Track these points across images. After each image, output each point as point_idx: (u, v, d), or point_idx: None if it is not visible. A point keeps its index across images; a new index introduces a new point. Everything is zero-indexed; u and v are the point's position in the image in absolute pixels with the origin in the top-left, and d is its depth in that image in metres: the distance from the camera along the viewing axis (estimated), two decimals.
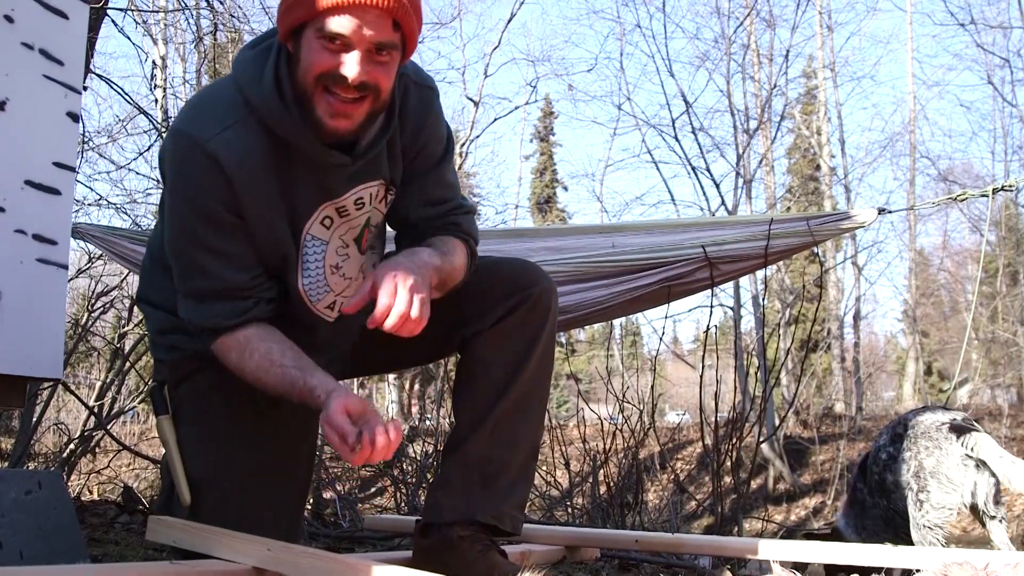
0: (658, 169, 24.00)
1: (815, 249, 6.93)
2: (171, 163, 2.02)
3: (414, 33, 1.94)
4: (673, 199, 22.15)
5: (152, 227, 2.79)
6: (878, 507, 3.58)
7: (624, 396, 6.31)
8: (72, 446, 7.66)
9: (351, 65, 1.85)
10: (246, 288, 2.05)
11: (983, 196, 4.73)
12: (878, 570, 2.42)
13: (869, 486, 3.62)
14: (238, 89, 1.99)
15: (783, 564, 2.46)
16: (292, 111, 1.94)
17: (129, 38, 14.41)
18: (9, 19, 2.78)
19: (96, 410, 7.71)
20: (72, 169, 3.00)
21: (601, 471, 6.22)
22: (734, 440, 5.23)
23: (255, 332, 2.05)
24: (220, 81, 2.13)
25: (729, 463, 5.19)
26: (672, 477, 15.77)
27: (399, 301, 1.85)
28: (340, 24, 1.82)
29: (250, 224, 2.01)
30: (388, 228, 2.37)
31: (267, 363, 1.99)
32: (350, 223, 2.15)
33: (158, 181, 13.15)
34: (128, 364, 8.23)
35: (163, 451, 2.24)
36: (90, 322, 8.52)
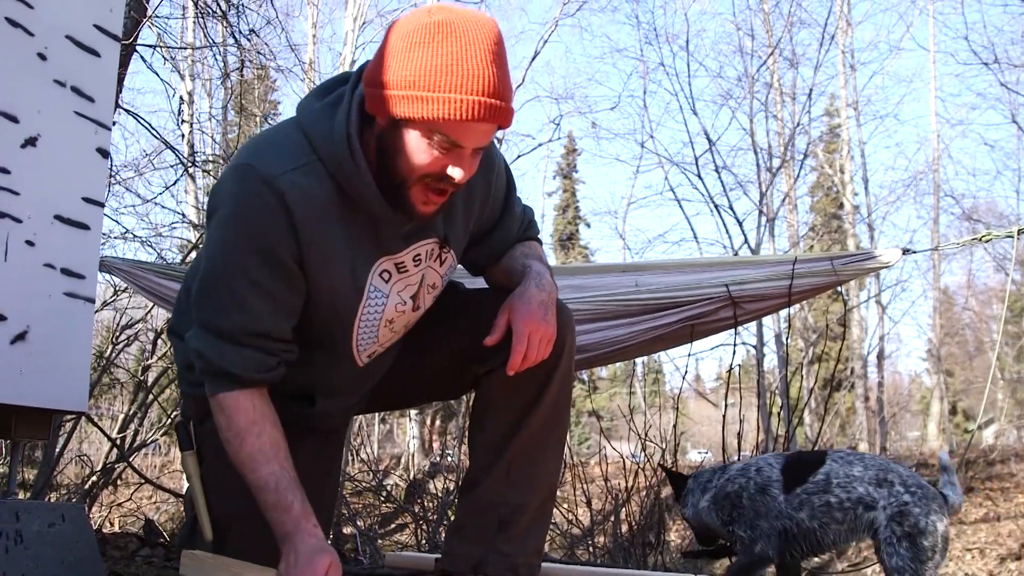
0: (681, 207, 24.05)
1: (839, 288, 6.90)
2: (231, 195, 1.95)
3: None
4: (696, 237, 22.14)
5: (180, 261, 2.80)
6: (792, 520, 3.62)
7: (646, 434, 6.28)
8: (94, 478, 7.69)
9: (459, 169, 1.87)
10: (281, 340, 2.01)
11: (1008, 237, 4.70)
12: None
13: (799, 498, 3.67)
14: (304, 136, 1.96)
15: None
16: (362, 169, 1.92)
17: (157, 74, 14.66)
18: (42, 56, 2.82)
19: (118, 442, 7.74)
20: (101, 204, 3.03)
21: (623, 510, 6.19)
22: None
23: (269, 411, 2.01)
24: (283, 125, 2.09)
25: None
26: None
27: (533, 350, 1.99)
28: (459, 135, 1.82)
29: (308, 270, 1.97)
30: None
31: (272, 453, 1.97)
32: (408, 280, 2.13)
33: (183, 215, 13.33)
34: (151, 397, 8.27)
35: (186, 484, 2.24)
36: (114, 354, 8.57)
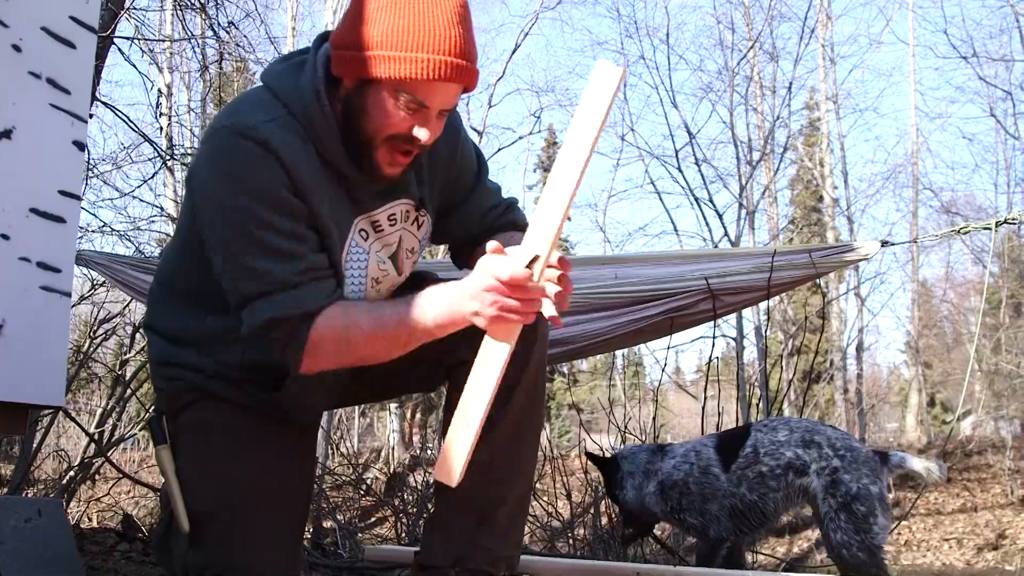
0: (661, 200, 24.03)
1: (818, 280, 6.94)
2: (215, 159, 1.92)
3: None
4: (676, 230, 22.11)
5: (158, 255, 2.77)
6: (736, 497, 3.74)
7: (626, 426, 6.30)
8: (72, 473, 7.65)
9: (426, 130, 1.88)
10: (325, 267, 1.97)
11: (986, 229, 4.73)
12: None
13: (736, 474, 3.77)
14: (272, 94, 1.95)
15: None
16: (333, 129, 1.93)
17: (135, 66, 14.48)
18: (17, 48, 2.80)
19: (96, 437, 7.70)
20: (77, 197, 3.02)
21: (603, 502, 6.20)
22: None
23: (340, 306, 1.96)
24: (248, 90, 2.09)
25: None
26: None
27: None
28: (425, 95, 1.85)
29: (313, 214, 1.95)
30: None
31: (376, 305, 1.98)
32: (384, 240, 2.13)
33: (161, 209, 13.26)
34: (129, 391, 8.23)
35: (163, 480, 2.23)
36: (92, 349, 8.52)
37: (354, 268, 2.08)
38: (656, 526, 4.22)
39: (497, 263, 1.77)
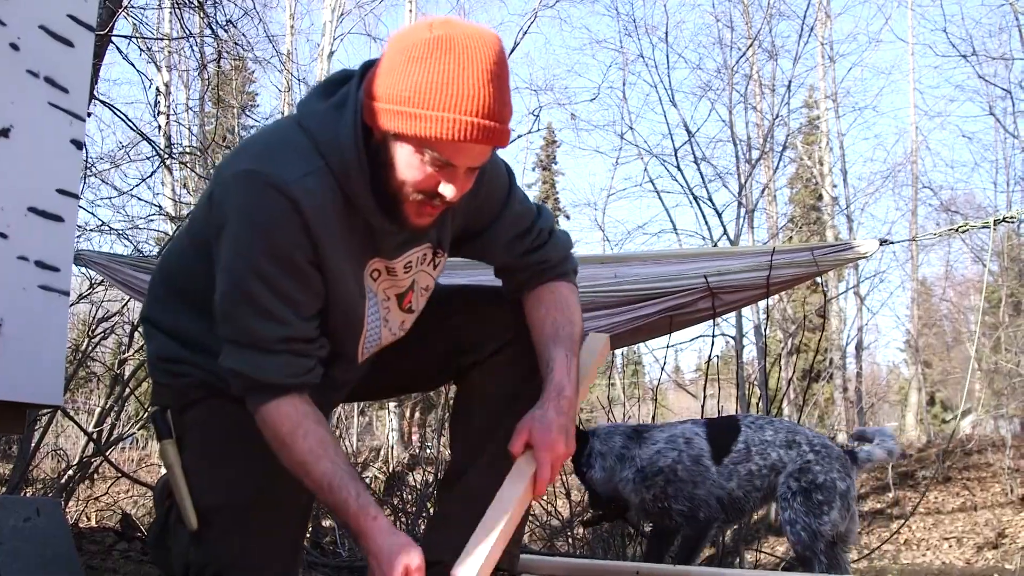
0: (660, 198, 23.86)
1: (817, 279, 6.94)
2: (242, 206, 1.90)
3: None
4: (675, 228, 22.00)
5: (157, 253, 2.75)
6: (724, 490, 3.82)
7: None
8: (71, 473, 7.64)
9: (452, 187, 1.85)
10: (311, 340, 1.98)
11: (985, 227, 4.73)
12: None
13: (728, 468, 3.83)
14: (309, 139, 1.93)
15: None
16: (367, 180, 1.91)
17: (133, 65, 14.54)
18: (15, 47, 2.79)
19: (95, 436, 7.69)
20: (75, 196, 3.01)
21: None
22: None
23: (311, 411, 1.98)
24: (284, 125, 2.06)
25: None
26: None
27: (554, 473, 1.97)
28: (451, 154, 1.81)
29: (327, 275, 1.96)
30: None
31: (321, 451, 1.93)
32: (395, 282, 2.13)
33: (160, 208, 13.26)
34: (128, 390, 8.22)
35: (160, 477, 2.22)
36: (90, 348, 8.51)
37: (372, 312, 2.11)
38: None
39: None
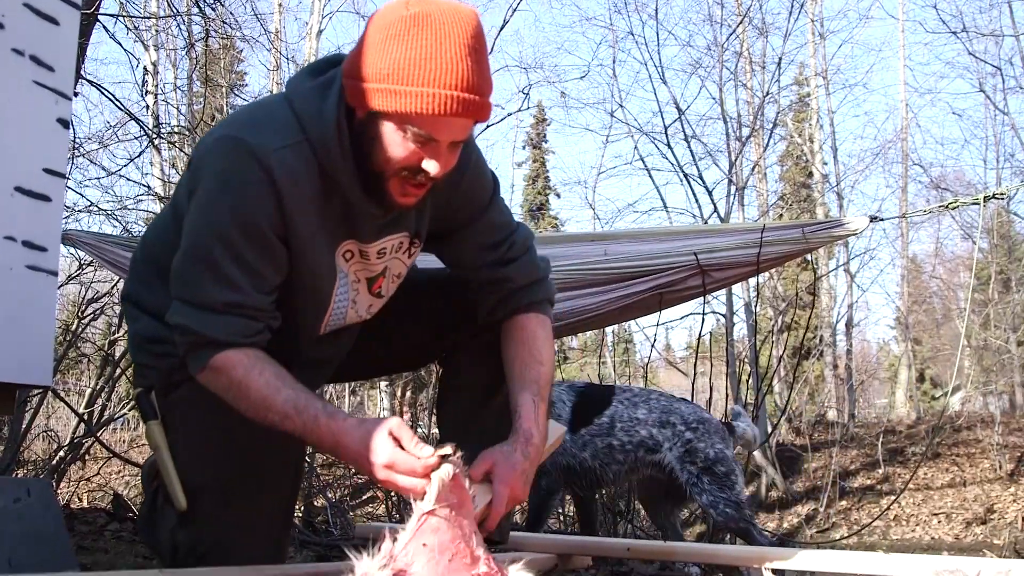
0: (651, 176, 23.85)
1: (808, 256, 6.95)
2: (218, 169, 1.92)
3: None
4: (665, 206, 22.01)
5: (143, 232, 2.73)
6: (575, 459, 3.99)
7: None
8: (61, 453, 7.64)
9: (435, 162, 1.85)
10: (264, 310, 1.98)
11: (975, 204, 4.74)
12: None
13: (583, 438, 4.00)
14: (294, 115, 1.94)
15: (774, 572, 2.45)
16: (348, 159, 1.92)
17: (120, 44, 14.41)
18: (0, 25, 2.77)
19: (86, 417, 7.68)
20: (62, 176, 2.99)
21: None
22: None
23: (265, 355, 1.97)
24: (271, 99, 2.07)
25: None
26: None
27: (507, 509, 1.95)
28: (433, 129, 1.81)
29: (291, 247, 1.96)
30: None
31: (279, 382, 1.91)
32: (367, 265, 2.14)
33: (148, 188, 13.20)
34: (118, 371, 8.20)
35: (148, 458, 2.22)
36: (80, 329, 8.49)
37: (341, 291, 2.12)
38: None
39: (402, 464, 1.76)
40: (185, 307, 1.96)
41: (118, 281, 7.68)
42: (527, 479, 1.99)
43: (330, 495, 7.33)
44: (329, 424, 1.86)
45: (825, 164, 24.27)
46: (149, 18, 13.62)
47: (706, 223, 18.24)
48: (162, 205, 12.19)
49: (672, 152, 20.58)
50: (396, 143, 1.84)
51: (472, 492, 1.83)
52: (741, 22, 21.52)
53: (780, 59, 21.28)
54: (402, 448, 1.76)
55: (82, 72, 6.55)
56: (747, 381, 16.03)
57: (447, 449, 1.74)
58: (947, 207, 5.02)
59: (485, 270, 2.25)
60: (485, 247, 2.24)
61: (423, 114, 1.77)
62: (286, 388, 1.91)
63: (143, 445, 12.99)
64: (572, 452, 3.91)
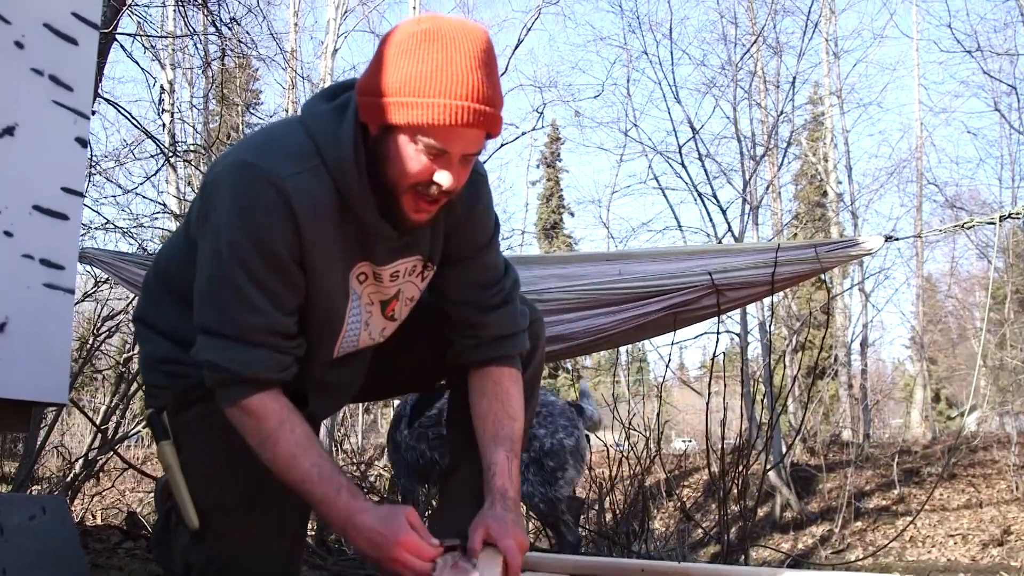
0: (665, 195, 23.96)
1: (822, 276, 6.94)
2: (233, 195, 1.91)
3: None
4: (680, 225, 22.03)
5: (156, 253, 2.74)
6: (415, 451, 4.08)
7: (630, 423, 6.30)
8: (76, 471, 7.65)
9: (447, 176, 1.86)
10: (291, 336, 1.99)
11: (990, 223, 4.72)
12: None
13: (417, 431, 4.09)
14: (310, 138, 1.94)
15: None
16: (364, 178, 1.93)
17: (137, 63, 14.61)
18: (19, 45, 2.79)
19: (103, 430, 7.70)
20: (80, 194, 3.01)
21: (607, 498, 6.20)
22: (741, 467, 5.21)
23: (291, 405, 1.99)
24: (286, 123, 2.08)
25: (736, 491, 5.17)
26: (678, 505, 15.70)
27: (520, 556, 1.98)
28: (445, 140, 1.82)
29: (307, 272, 1.97)
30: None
31: (308, 443, 1.94)
32: (381, 288, 2.14)
33: (164, 206, 13.26)
34: (134, 388, 8.22)
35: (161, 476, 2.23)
36: (96, 346, 8.52)
37: (353, 314, 2.12)
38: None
39: (413, 545, 1.86)
40: (213, 340, 1.96)
41: (133, 298, 7.70)
42: (521, 525, 2.02)
43: None
44: (349, 501, 1.90)
45: (839, 183, 24.24)
46: (166, 37, 13.75)
47: (720, 242, 18.23)
48: (178, 223, 12.26)
49: (686, 171, 20.62)
50: (409, 156, 1.84)
51: (478, 568, 1.88)
52: (755, 41, 21.57)
53: (794, 78, 21.29)
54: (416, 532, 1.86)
55: (99, 90, 6.60)
56: (762, 401, 15.99)
57: (454, 541, 1.86)
58: (962, 226, 5.00)
59: (466, 309, 2.26)
60: (474, 285, 2.25)
61: (435, 125, 1.79)
62: (313, 452, 1.94)
63: (157, 464, 13.01)
64: (412, 445, 4.00)
